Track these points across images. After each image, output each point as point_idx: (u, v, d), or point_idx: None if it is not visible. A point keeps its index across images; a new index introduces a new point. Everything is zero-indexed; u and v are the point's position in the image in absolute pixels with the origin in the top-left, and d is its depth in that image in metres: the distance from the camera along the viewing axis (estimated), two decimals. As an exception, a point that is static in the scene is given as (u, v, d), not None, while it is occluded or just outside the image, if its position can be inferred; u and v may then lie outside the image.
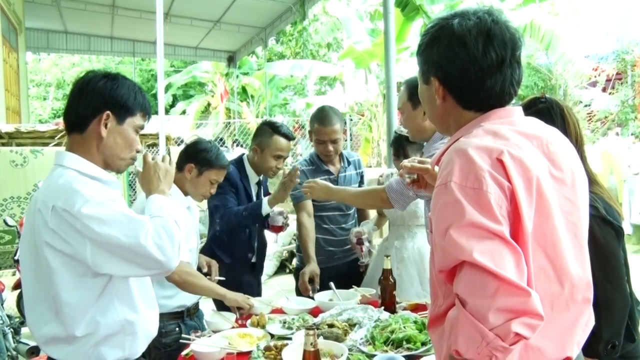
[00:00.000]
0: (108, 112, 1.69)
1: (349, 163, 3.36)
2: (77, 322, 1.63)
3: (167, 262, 1.60)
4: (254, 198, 3.14)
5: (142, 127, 1.81)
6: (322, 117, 3.12)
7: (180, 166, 2.59)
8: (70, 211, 1.54)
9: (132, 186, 8.24)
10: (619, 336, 1.75)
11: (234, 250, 3.09)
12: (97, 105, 1.69)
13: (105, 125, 1.69)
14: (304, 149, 13.34)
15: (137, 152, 1.81)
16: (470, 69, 1.24)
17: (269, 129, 3.06)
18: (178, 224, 1.67)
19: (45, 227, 1.57)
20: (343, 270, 3.26)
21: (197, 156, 2.60)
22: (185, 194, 2.63)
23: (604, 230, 1.75)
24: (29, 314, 1.70)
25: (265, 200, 2.95)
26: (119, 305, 1.70)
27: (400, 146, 2.98)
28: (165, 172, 1.84)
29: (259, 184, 3.21)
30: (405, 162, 1.85)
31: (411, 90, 2.45)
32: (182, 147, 2.73)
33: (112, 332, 1.68)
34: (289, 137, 3.08)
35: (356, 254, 3.28)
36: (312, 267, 3.00)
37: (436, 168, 1.49)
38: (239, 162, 3.13)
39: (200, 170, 2.59)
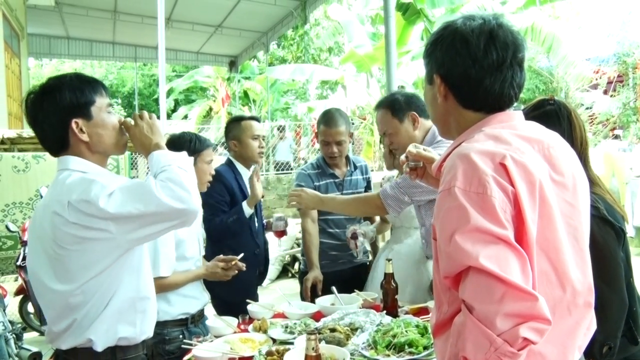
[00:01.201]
0: (74, 120, 1.68)
1: (355, 167, 3.38)
2: (98, 303, 1.66)
3: (188, 208, 1.63)
4: (249, 193, 3.21)
5: (110, 104, 1.78)
6: (328, 118, 3.18)
7: None
8: (87, 199, 1.56)
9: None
10: (615, 338, 1.74)
11: (241, 251, 3.07)
12: (59, 123, 1.68)
13: (81, 131, 1.69)
14: (306, 153, 13.37)
15: (122, 124, 1.80)
16: (470, 67, 1.25)
17: (235, 121, 3.30)
18: (183, 167, 1.69)
19: (66, 225, 1.58)
20: (347, 274, 3.26)
21: (184, 148, 2.59)
22: None
23: (603, 231, 1.75)
24: (48, 314, 1.73)
25: (244, 203, 3.07)
26: (136, 281, 1.75)
27: None
28: (150, 126, 1.81)
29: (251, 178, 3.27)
30: (411, 148, 1.85)
31: (392, 108, 2.55)
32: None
33: (125, 307, 1.72)
34: (255, 119, 3.29)
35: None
36: (315, 274, 3.04)
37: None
38: (229, 163, 3.26)
39: (194, 160, 2.61)
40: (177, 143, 2.64)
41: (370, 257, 3.48)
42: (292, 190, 2.77)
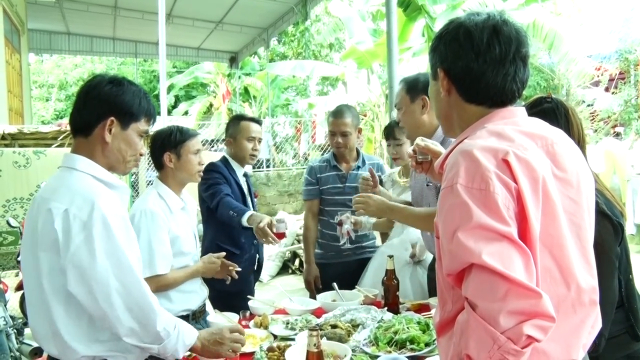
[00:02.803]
0: (112, 118, 1.69)
1: (363, 163, 3.45)
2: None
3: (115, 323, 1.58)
4: (244, 188, 3.26)
5: (146, 132, 1.81)
6: (336, 111, 3.38)
7: (159, 164, 2.59)
8: (84, 220, 1.54)
9: (135, 187, 8.26)
10: (600, 336, 1.73)
11: (240, 241, 3.16)
12: (101, 111, 1.69)
13: (110, 131, 1.70)
14: (306, 149, 13.37)
15: (141, 155, 1.82)
16: (473, 60, 1.26)
17: (236, 119, 3.33)
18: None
19: (51, 227, 1.55)
20: (352, 267, 3.32)
21: (166, 143, 2.58)
22: (181, 186, 2.64)
23: (601, 225, 1.74)
24: (30, 313, 1.70)
25: (248, 214, 2.91)
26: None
27: (389, 129, 3.22)
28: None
29: (245, 176, 3.34)
30: (419, 141, 1.84)
31: (409, 85, 2.52)
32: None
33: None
34: (255, 121, 3.32)
35: (364, 253, 3.38)
36: (311, 271, 3.42)
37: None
38: (223, 160, 3.29)
39: (177, 152, 2.58)
40: (157, 138, 2.62)
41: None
42: (357, 196, 2.59)
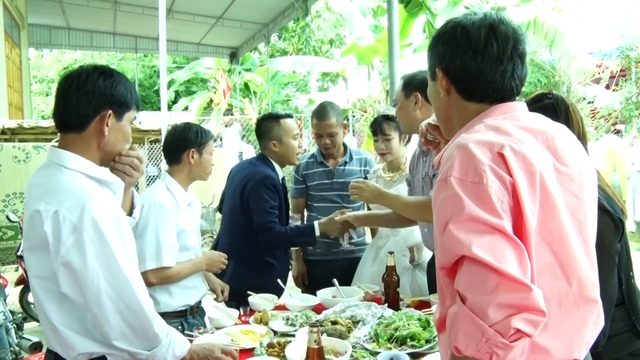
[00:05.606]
0: (110, 110, 1.67)
1: (351, 158, 3.42)
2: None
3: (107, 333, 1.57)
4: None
5: (134, 119, 1.82)
6: (319, 112, 3.28)
7: (178, 159, 2.59)
8: (75, 223, 1.51)
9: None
10: (601, 332, 1.73)
11: (277, 252, 3.10)
12: (98, 104, 1.66)
13: (107, 124, 1.67)
14: (307, 145, 13.35)
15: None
16: (471, 58, 1.26)
17: (272, 120, 3.11)
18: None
19: (40, 228, 1.53)
20: (343, 265, 3.27)
21: (191, 139, 2.60)
22: (190, 183, 2.65)
23: (601, 221, 1.73)
24: (36, 309, 1.71)
25: (316, 224, 3.00)
26: None
27: (377, 124, 3.11)
28: None
29: (282, 179, 3.20)
30: (430, 120, 1.84)
31: (405, 81, 2.55)
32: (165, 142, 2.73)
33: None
34: (291, 116, 3.18)
35: (354, 251, 3.31)
36: (300, 269, 3.45)
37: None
38: (264, 159, 3.11)
39: (199, 150, 2.62)
40: (186, 133, 2.62)
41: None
42: (353, 181, 2.70)
